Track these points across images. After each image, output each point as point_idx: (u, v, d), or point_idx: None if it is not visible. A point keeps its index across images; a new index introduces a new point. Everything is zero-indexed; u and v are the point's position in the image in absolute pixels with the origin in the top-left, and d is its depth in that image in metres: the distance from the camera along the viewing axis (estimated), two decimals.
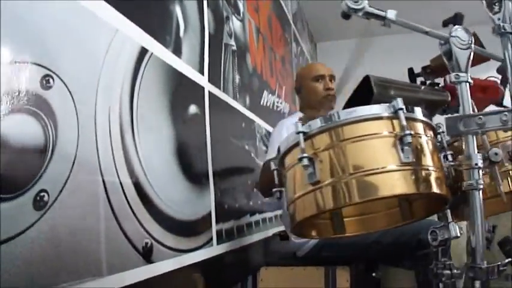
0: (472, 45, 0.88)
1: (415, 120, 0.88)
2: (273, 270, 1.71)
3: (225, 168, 1.87)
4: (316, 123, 0.89)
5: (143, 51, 1.30)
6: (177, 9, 1.55)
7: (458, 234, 0.90)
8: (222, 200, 1.76)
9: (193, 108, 1.61)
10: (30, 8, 0.89)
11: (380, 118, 0.86)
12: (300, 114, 1.93)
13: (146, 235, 1.21)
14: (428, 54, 1.36)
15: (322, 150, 0.87)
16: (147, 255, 1.20)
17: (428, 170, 0.84)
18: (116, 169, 1.12)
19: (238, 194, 2.00)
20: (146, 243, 1.20)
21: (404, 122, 0.83)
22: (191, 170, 1.53)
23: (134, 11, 1.26)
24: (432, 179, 0.84)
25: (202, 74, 1.72)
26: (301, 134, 0.88)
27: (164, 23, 1.46)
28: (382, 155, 0.84)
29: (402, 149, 0.82)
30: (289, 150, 0.96)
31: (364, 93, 1.07)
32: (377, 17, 0.90)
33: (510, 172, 1.04)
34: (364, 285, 1.75)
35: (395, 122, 0.85)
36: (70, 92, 0.98)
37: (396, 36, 4.32)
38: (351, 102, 1.12)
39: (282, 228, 2.62)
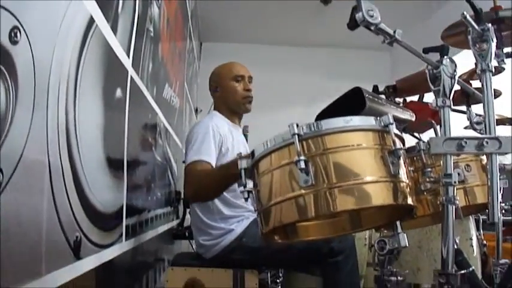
0: (456, 75, 0.99)
1: (397, 135, 0.95)
2: (180, 271, 1.65)
3: (135, 161, 1.74)
4: (309, 128, 0.90)
5: (91, 22, 1.15)
6: None
7: (407, 244, 1.00)
8: (131, 193, 1.64)
9: (118, 92, 1.47)
10: None
11: (372, 130, 0.91)
12: (217, 114, 1.90)
13: (77, 228, 1.06)
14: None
15: (313, 156, 0.89)
16: (76, 250, 1.05)
17: (404, 182, 0.92)
18: (60, 150, 0.97)
19: (142, 189, 1.88)
20: (77, 237, 1.06)
21: (394, 137, 0.90)
22: (112, 159, 1.39)
23: None
24: (407, 191, 0.92)
25: (128, 56, 1.59)
26: (296, 136, 0.89)
27: None
28: (371, 166, 0.89)
29: (392, 162, 0.89)
30: (269, 153, 0.95)
31: (350, 103, 1.12)
32: (386, 33, 0.95)
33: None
34: None
35: (384, 135, 0.92)
36: (32, 53, 0.82)
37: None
38: (333, 109, 1.16)
39: (167, 226, 2.55)
